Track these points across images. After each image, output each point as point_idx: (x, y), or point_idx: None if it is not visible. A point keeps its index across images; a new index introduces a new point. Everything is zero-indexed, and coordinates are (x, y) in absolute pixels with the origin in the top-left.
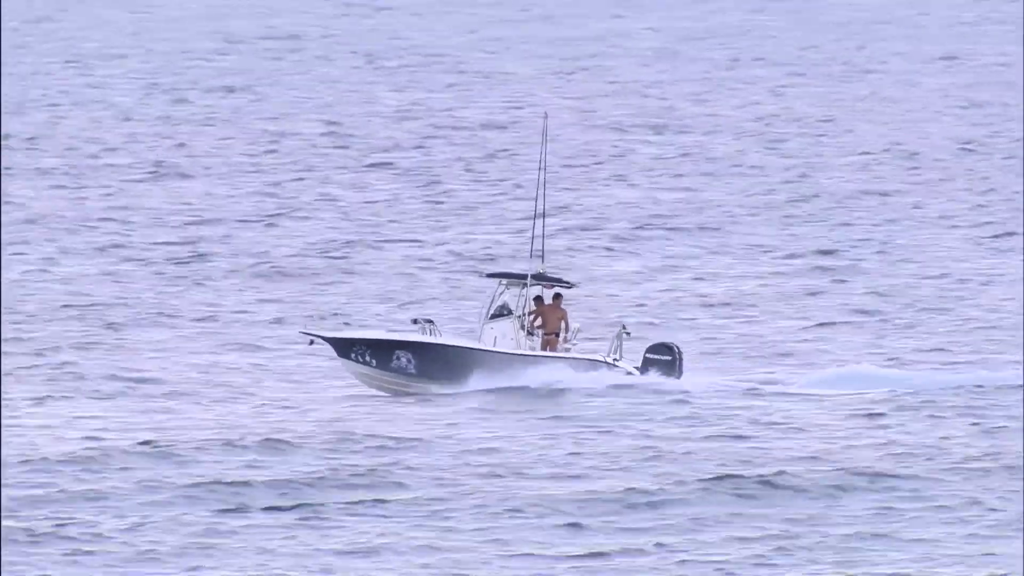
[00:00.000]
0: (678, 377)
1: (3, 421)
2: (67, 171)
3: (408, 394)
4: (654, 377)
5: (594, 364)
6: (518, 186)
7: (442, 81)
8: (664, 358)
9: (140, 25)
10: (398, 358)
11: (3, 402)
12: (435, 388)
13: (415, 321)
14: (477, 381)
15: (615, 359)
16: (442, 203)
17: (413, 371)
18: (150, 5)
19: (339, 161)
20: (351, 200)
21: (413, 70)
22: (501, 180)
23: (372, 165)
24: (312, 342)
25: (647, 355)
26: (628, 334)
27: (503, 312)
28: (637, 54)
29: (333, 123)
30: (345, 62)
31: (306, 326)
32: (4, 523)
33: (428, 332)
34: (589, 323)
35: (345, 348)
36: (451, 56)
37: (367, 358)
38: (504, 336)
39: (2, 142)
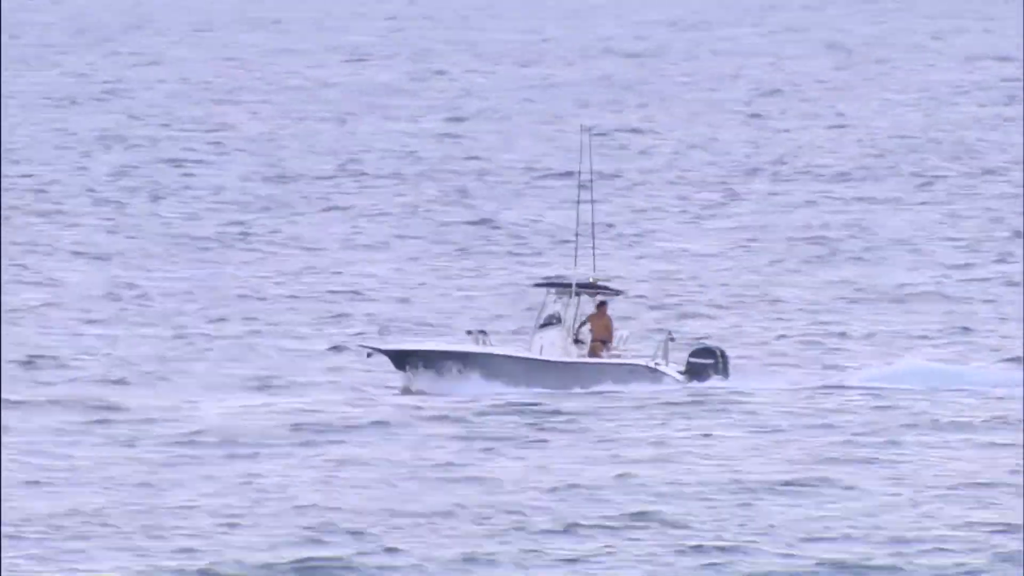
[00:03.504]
0: (724, 379)
1: None
2: None
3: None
4: (699, 381)
5: (638, 370)
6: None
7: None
8: (707, 361)
9: None
10: (450, 369)
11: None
12: (482, 394)
13: (469, 332)
14: (525, 389)
15: (657, 363)
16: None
17: (464, 380)
18: None
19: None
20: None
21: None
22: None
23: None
24: (370, 355)
25: (691, 359)
26: (673, 339)
27: (552, 321)
28: None
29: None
30: None
31: (365, 340)
32: None
33: (480, 343)
34: (636, 329)
35: (401, 360)
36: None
37: (422, 368)
38: (552, 345)
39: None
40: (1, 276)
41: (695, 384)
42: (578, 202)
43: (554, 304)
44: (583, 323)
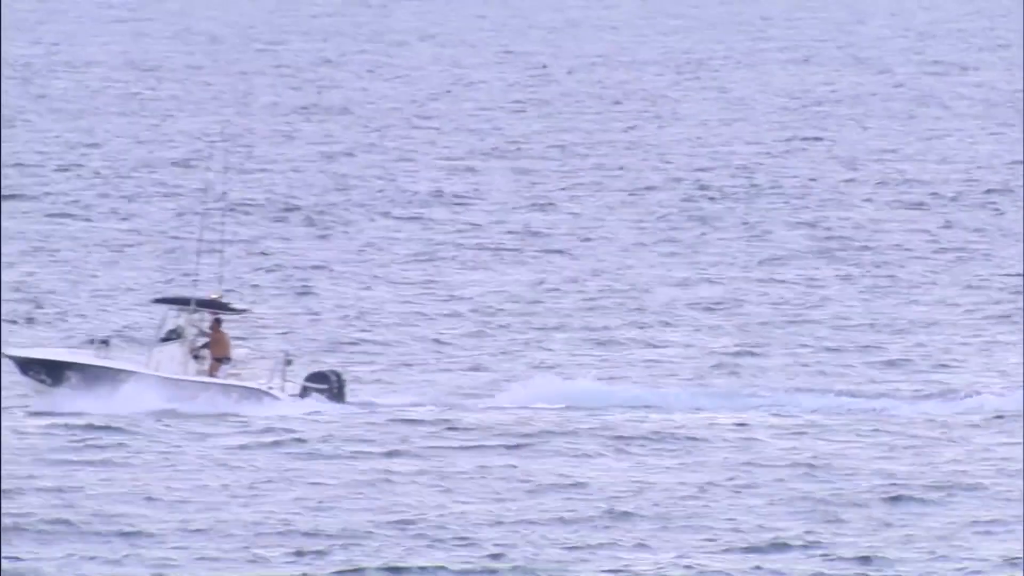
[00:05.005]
0: (340, 403)
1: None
2: None
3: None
4: (311, 404)
5: (252, 392)
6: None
7: None
8: (321, 386)
9: None
10: (69, 378)
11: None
12: (101, 406)
13: (91, 341)
14: (141, 404)
15: (271, 387)
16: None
17: (82, 390)
18: None
19: None
20: None
21: None
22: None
23: None
24: None
25: (306, 383)
26: (290, 362)
27: (172, 336)
28: None
29: None
30: None
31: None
32: None
33: (102, 353)
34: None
35: (24, 367)
36: None
37: (43, 376)
38: (172, 360)
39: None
40: (1, 265)
41: (305, 408)
42: (204, 221)
43: (176, 320)
44: (205, 343)
